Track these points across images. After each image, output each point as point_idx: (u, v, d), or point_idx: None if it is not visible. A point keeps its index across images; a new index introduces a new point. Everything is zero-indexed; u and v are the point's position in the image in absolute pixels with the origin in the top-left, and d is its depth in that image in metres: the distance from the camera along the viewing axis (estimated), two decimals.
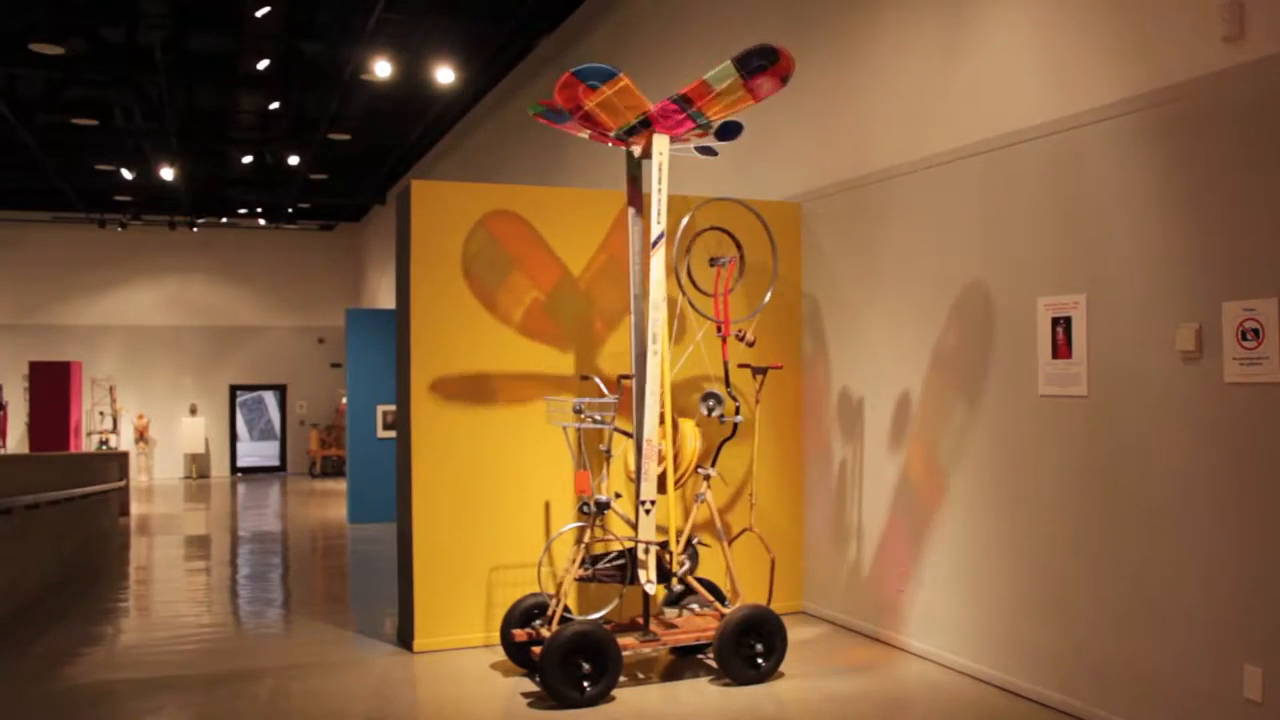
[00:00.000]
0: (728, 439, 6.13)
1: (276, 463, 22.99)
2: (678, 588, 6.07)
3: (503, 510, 6.38)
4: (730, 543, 6.03)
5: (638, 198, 5.87)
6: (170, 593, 9.07)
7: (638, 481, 5.51)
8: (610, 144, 5.83)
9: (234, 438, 22.64)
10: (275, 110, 14.22)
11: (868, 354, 6.53)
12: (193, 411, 22.02)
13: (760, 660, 5.63)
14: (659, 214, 5.58)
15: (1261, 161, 4.10)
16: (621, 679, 5.48)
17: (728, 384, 6.11)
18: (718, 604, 5.84)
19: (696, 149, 6.07)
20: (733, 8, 8.16)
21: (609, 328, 6.65)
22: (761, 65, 5.17)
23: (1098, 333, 4.83)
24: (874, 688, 5.53)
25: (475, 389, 6.37)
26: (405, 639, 6.46)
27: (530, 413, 6.39)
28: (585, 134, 5.86)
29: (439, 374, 6.32)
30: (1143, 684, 4.57)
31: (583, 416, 5.68)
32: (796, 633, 6.43)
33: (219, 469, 22.42)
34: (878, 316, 6.43)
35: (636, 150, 5.75)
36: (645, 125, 5.56)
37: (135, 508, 15.84)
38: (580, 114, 5.44)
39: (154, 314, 22.14)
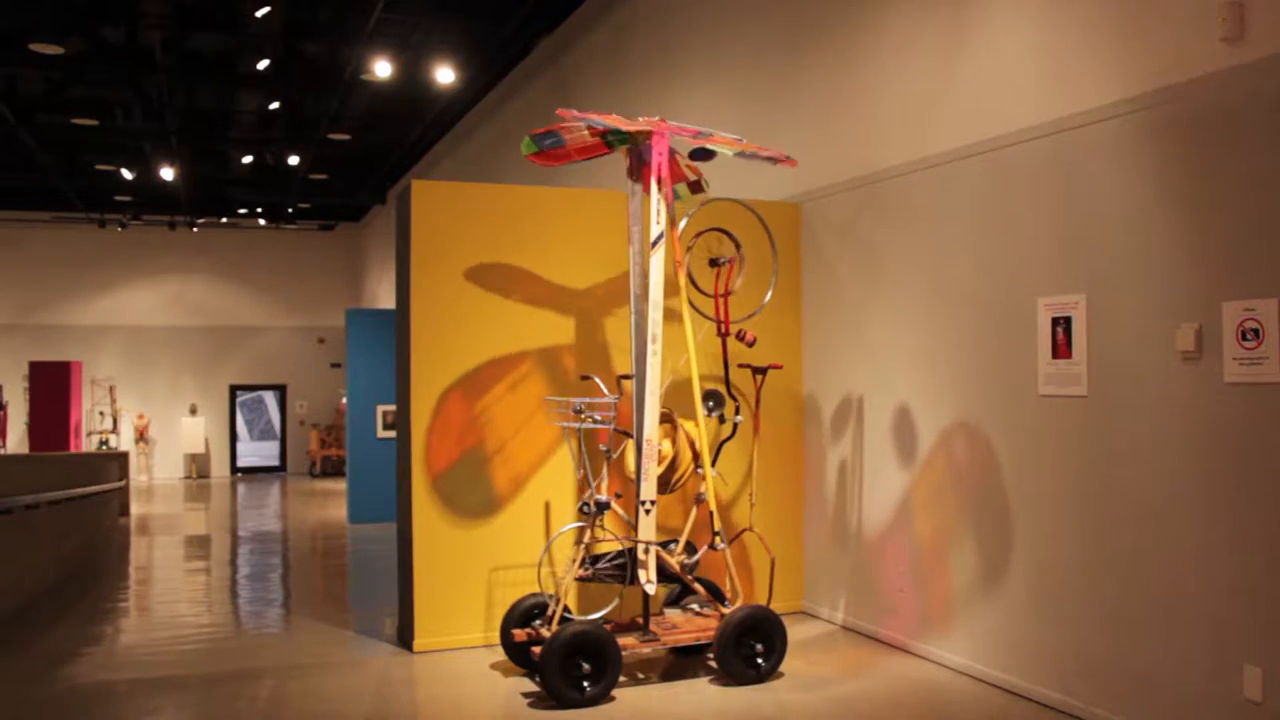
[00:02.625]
0: (728, 439, 6.12)
1: (276, 463, 22.98)
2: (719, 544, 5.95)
3: (503, 510, 6.38)
4: (730, 543, 6.03)
5: (637, 168, 5.81)
6: (170, 593, 9.06)
7: (638, 481, 5.51)
8: (606, 151, 5.84)
9: (234, 438, 22.63)
10: (275, 110, 14.22)
11: (868, 354, 6.53)
12: (193, 411, 22.02)
13: (760, 660, 5.63)
14: (658, 214, 5.58)
15: (1261, 161, 4.10)
16: (621, 679, 5.48)
17: (728, 384, 6.10)
18: (718, 604, 5.84)
19: (691, 154, 6.10)
20: (733, 9, 8.16)
21: (609, 328, 6.64)
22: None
23: (1098, 333, 4.83)
24: (874, 688, 5.53)
25: (475, 388, 6.37)
26: (405, 639, 6.46)
27: (530, 412, 6.39)
28: (584, 159, 5.90)
29: (439, 374, 6.32)
30: (1142, 684, 4.57)
31: (583, 416, 5.68)
32: (796, 633, 6.43)
33: (219, 469, 22.42)
34: (878, 316, 6.43)
35: (638, 120, 5.72)
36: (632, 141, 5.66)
37: (135, 508, 15.84)
38: (576, 146, 5.62)
39: (154, 314, 22.13)
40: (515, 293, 6.48)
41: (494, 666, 5.94)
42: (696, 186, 6.25)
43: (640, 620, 5.81)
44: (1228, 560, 4.21)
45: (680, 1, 9.10)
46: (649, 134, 5.59)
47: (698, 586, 5.86)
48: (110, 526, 12.46)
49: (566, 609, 5.65)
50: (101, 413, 21.27)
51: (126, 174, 16.72)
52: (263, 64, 12.12)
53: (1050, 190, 5.10)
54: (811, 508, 7.12)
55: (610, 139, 5.77)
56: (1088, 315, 4.88)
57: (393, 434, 11.68)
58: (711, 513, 5.78)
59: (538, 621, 5.71)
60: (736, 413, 6.06)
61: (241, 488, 19.79)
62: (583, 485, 5.67)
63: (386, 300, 18.91)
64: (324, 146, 15.63)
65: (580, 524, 5.67)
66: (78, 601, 8.45)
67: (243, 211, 20.99)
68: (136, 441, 21.46)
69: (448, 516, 6.29)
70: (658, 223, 5.57)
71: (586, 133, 5.75)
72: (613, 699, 5.32)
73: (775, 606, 5.91)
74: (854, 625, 6.66)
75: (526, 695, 5.43)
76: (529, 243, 6.53)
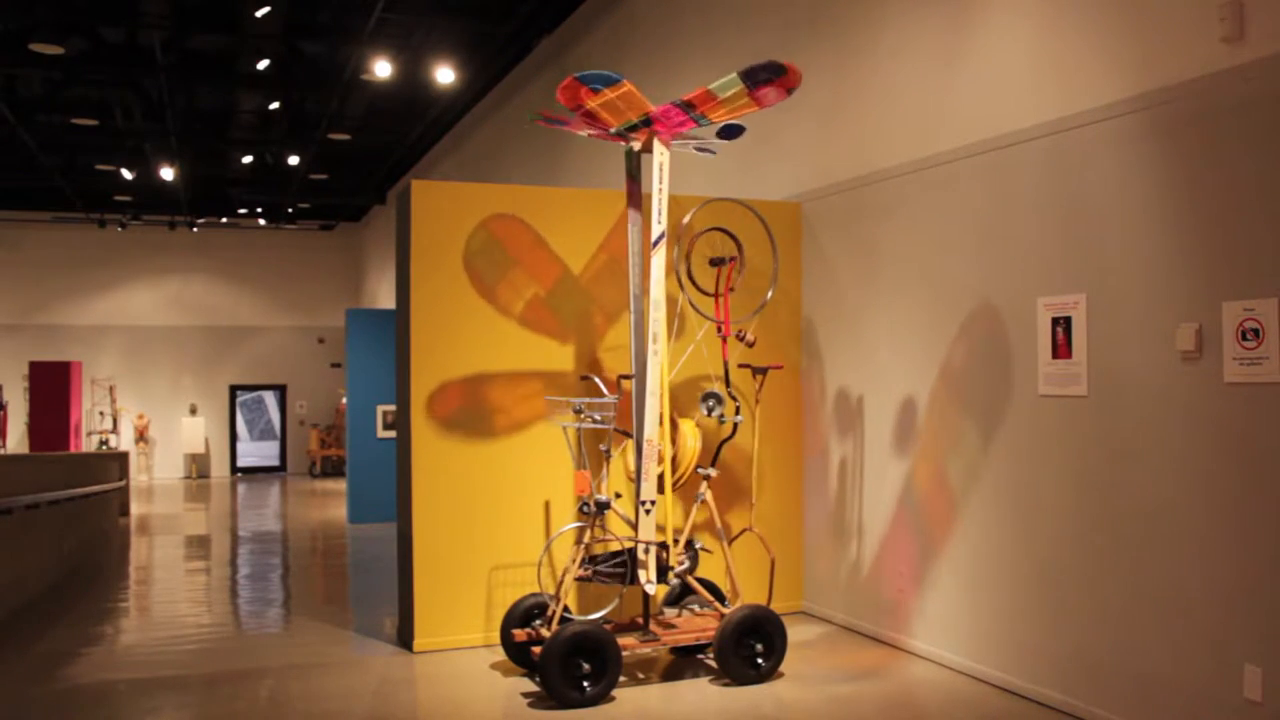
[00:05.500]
0: (728, 439, 6.12)
1: (276, 463, 22.98)
2: (674, 581, 6.03)
3: (503, 510, 6.38)
4: (730, 543, 6.03)
5: (637, 196, 5.88)
6: (170, 593, 9.06)
7: (638, 481, 5.51)
8: (609, 139, 5.84)
9: (234, 438, 22.63)
10: (275, 110, 14.22)
11: (867, 354, 6.53)
12: (193, 411, 22.02)
13: (760, 660, 5.62)
14: (659, 214, 5.58)
15: (1261, 161, 4.09)
16: (621, 679, 5.48)
17: (728, 384, 6.11)
18: (718, 604, 5.84)
19: (695, 148, 6.07)
20: (733, 8, 8.16)
21: (609, 325, 6.65)
22: (768, 78, 5.24)
23: (1098, 333, 4.83)
24: (874, 688, 5.53)
25: (475, 388, 6.37)
26: (405, 639, 6.46)
27: (530, 412, 6.39)
28: (585, 133, 5.86)
29: (439, 374, 6.32)
30: (1142, 684, 4.57)
31: (583, 416, 5.68)
32: (796, 633, 6.43)
33: (219, 469, 22.42)
34: (877, 316, 6.43)
35: (636, 145, 5.75)
36: (646, 123, 5.58)
37: (135, 508, 15.84)
38: (582, 112, 5.47)
39: (154, 314, 22.14)
40: (515, 293, 6.48)
41: (494, 666, 5.94)
42: (703, 149, 6.20)
43: (640, 620, 5.81)
44: (1228, 560, 4.21)
45: (680, 2, 9.10)
46: (651, 129, 5.59)
47: (698, 586, 5.86)
48: (110, 526, 12.45)
49: (566, 609, 5.65)
50: (101, 413, 21.27)
51: (126, 174, 16.71)
52: (263, 64, 12.11)
53: (1050, 190, 5.10)
54: (811, 508, 7.12)
55: (619, 129, 5.73)
56: (1088, 315, 4.87)
57: (393, 434, 11.68)
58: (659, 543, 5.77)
59: (538, 621, 5.71)
60: (737, 413, 6.06)
61: (241, 488, 19.79)
62: (583, 482, 5.67)
63: (386, 300, 18.91)
64: (324, 146, 15.63)
65: (580, 524, 5.67)
66: (78, 601, 8.45)
67: (243, 211, 20.99)
68: (136, 441, 21.46)
69: (448, 516, 6.27)
70: (658, 223, 5.57)
71: (586, 134, 5.78)
72: (613, 699, 5.32)
73: (775, 606, 5.91)
74: (854, 625, 6.66)
75: (526, 695, 5.42)
76: (529, 242, 6.52)
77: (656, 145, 5.62)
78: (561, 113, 5.67)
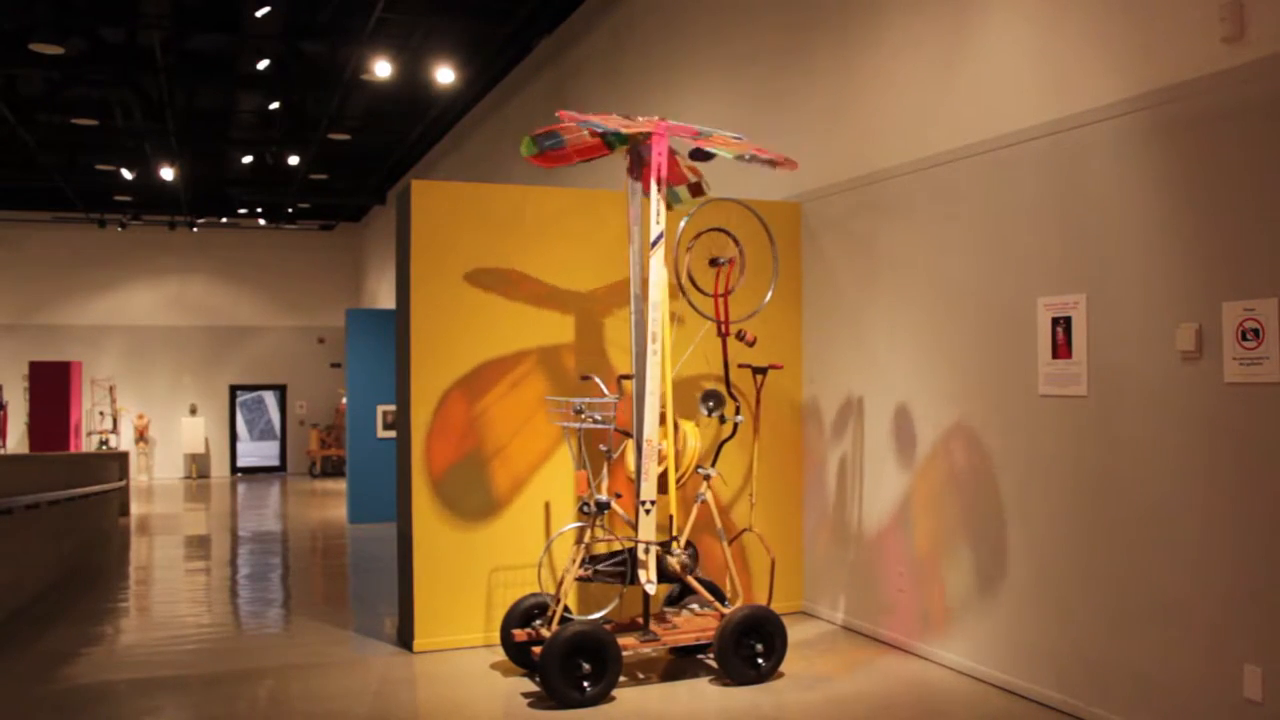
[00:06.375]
0: (728, 439, 6.13)
1: (276, 463, 22.98)
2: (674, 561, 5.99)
3: (503, 510, 6.38)
4: (730, 543, 6.03)
5: (637, 170, 5.84)
6: (170, 593, 9.06)
7: (637, 481, 5.51)
8: (605, 152, 5.89)
9: (234, 438, 22.63)
10: (275, 110, 14.22)
11: (867, 354, 6.53)
12: (193, 411, 22.02)
13: (760, 660, 5.63)
14: (659, 214, 5.58)
15: (1261, 161, 4.10)
16: (621, 679, 5.48)
17: (728, 384, 6.11)
18: (718, 604, 5.84)
19: (690, 153, 6.15)
20: (733, 9, 8.16)
21: (609, 328, 6.65)
22: (762, 159, 5.65)
23: (1098, 333, 4.83)
24: (874, 688, 5.53)
25: (475, 388, 6.38)
26: (405, 639, 6.46)
27: (530, 413, 6.39)
28: (579, 142, 5.90)
29: (439, 374, 6.32)
30: (1142, 684, 4.57)
31: (583, 417, 5.68)
32: (796, 633, 6.43)
33: (219, 469, 22.41)
34: (878, 316, 6.43)
35: (639, 120, 5.73)
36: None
37: (135, 508, 15.84)
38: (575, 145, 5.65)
39: (154, 314, 22.13)
40: (515, 293, 6.49)
41: (494, 666, 5.94)
42: (697, 189, 6.29)
43: (640, 620, 5.81)
44: (1228, 560, 4.21)
45: (680, 2, 9.10)
46: (648, 135, 5.60)
47: (698, 586, 5.86)
48: (110, 526, 12.45)
49: (566, 609, 5.65)
50: (101, 413, 21.26)
51: (126, 174, 16.71)
52: (263, 64, 12.12)
53: (1050, 190, 5.10)
54: (811, 508, 7.12)
55: (610, 140, 5.80)
56: (1088, 315, 4.88)
57: (393, 434, 11.68)
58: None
59: (538, 621, 5.71)
60: (737, 413, 6.06)
61: (241, 488, 19.79)
62: (584, 482, 5.67)
63: (386, 300, 18.91)
64: (324, 146, 15.63)
65: (580, 524, 5.67)
66: (78, 601, 8.45)
67: (243, 211, 20.99)
68: (136, 441, 21.45)
69: (448, 518, 6.29)
70: (658, 223, 5.57)
71: (586, 134, 5.77)
72: (613, 699, 5.32)
73: (775, 606, 5.91)
74: (854, 625, 6.66)
75: (526, 695, 5.43)
76: (529, 243, 6.53)
77: (655, 145, 5.63)
78: (552, 149, 5.79)
